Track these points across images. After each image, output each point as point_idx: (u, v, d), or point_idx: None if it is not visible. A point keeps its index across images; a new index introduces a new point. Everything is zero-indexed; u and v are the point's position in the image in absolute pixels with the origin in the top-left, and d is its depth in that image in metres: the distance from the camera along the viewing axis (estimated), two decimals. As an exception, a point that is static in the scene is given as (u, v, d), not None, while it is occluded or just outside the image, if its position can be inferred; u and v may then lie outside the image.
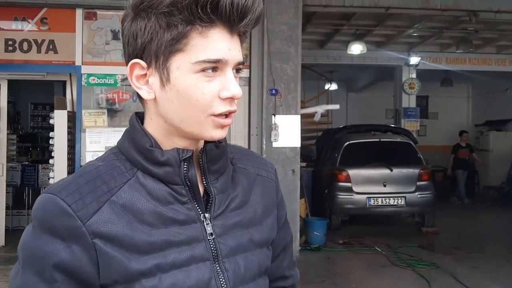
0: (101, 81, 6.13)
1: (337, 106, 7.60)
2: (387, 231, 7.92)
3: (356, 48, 9.30)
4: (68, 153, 6.19)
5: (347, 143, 8.00)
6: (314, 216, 7.43)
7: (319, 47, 10.56)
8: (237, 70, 0.86)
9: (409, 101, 11.35)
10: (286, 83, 6.12)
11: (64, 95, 6.86)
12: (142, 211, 0.83)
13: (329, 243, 6.91)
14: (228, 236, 0.89)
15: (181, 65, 0.81)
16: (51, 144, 6.25)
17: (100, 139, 6.02)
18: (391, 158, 7.73)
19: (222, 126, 0.85)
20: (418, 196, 7.48)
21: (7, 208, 6.84)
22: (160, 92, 0.84)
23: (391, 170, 7.52)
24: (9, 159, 7.43)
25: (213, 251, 0.87)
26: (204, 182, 0.90)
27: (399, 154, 7.95)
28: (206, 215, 0.88)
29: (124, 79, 6.27)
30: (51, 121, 6.26)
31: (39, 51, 6.03)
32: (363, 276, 5.71)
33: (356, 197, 7.48)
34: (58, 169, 6.14)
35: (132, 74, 0.86)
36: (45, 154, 8.02)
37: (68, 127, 6.19)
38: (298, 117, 6.20)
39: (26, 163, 8.40)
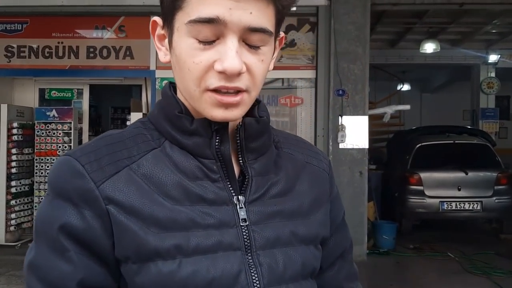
0: (173, 84, 6.41)
1: (407, 107, 7.39)
2: (461, 237, 7.57)
3: (429, 47, 8.99)
4: (143, 153, 6.53)
5: (419, 145, 7.74)
6: (384, 219, 7.27)
7: (390, 47, 10.32)
8: (252, 46, 0.70)
9: (487, 101, 10.77)
10: (353, 84, 6.06)
11: (141, 98, 7.25)
12: (165, 183, 0.73)
13: (399, 248, 6.72)
14: (265, 226, 0.76)
15: (180, 25, 0.70)
16: (128, 145, 6.63)
17: (172, 140, 6.29)
18: (467, 160, 7.39)
19: (224, 105, 0.71)
20: (496, 201, 7.07)
21: (88, 204, 7.32)
22: (170, 55, 0.76)
23: (466, 174, 7.18)
24: (91, 159, 7.94)
25: (245, 240, 0.74)
26: (241, 160, 0.78)
27: (475, 157, 7.58)
28: (240, 197, 0.76)
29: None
30: (127, 123, 6.65)
31: (117, 57, 6.42)
32: (434, 282, 5.51)
33: (428, 201, 7.21)
34: (134, 168, 6.49)
35: (154, 33, 0.78)
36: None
37: (143, 129, 6.53)
38: (366, 118, 6.11)
39: (106, 163, 8.94)
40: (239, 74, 0.69)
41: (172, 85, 0.81)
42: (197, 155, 0.75)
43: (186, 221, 0.71)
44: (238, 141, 0.78)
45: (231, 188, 0.76)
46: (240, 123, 0.77)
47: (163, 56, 0.78)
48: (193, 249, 0.71)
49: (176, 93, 0.79)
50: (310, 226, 0.82)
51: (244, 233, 0.75)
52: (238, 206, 0.75)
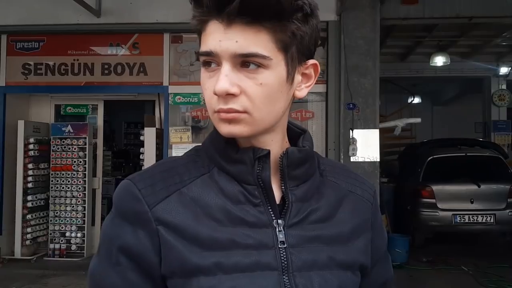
0: (186, 100, 6.51)
1: (418, 120, 7.41)
2: (474, 250, 7.51)
3: (439, 60, 9.04)
4: (156, 168, 6.60)
5: (431, 157, 7.74)
6: (397, 233, 7.25)
7: (400, 60, 10.37)
8: (247, 63, 0.75)
9: (499, 113, 10.73)
10: (364, 97, 6.11)
11: (153, 113, 7.35)
12: (211, 206, 0.80)
13: (412, 261, 6.69)
14: (303, 249, 0.81)
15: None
16: (142, 159, 6.72)
17: (185, 154, 6.36)
18: (479, 173, 7.36)
19: (225, 120, 0.78)
20: (510, 213, 7.02)
21: (102, 218, 7.40)
22: None
23: (479, 186, 7.15)
24: (105, 173, 8.06)
25: (283, 261, 0.79)
26: (283, 187, 0.83)
27: (487, 169, 7.55)
28: (280, 221, 0.81)
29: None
30: (141, 138, 6.75)
31: (131, 73, 6.55)
32: (447, 296, 5.48)
33: (441, 214, 7.19)
34: (147, 183, 6.56)
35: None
36: (136, 169, 8.60)
37: (157, 143, 6.63)
38: (377, 131, 6.14)
39: (120, 177, 9.05)
40: (231, 95, 0.76)
41: None
42: (241, 181, 0.82)
43: (226, 241, 0.78)
44: (281, 169, 0.83)
45: (271, 212, 0.82)
46: (284, 152, 0.83)
47: None
48: (232, 267, 0.76)
49: None
50: (349, 253, 0.85)
51: (282, 255, 0.79)
52: (277, 229, 0.81)
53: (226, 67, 0.75)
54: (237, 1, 0.72)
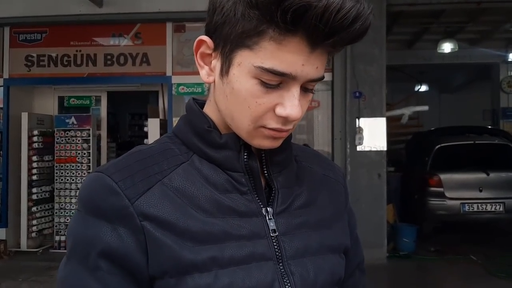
0: (190, 90, 6.45)
1: (425, 108, 7.33)
2: (484, 239, 7.42)
3: (447, 47, 8.88)
4: (161, 159, 6.58)
5: (438, 146, 7.63)
6: (404, 222, 7.19)
7: (407, 48, 10.22)
8: (307, 89, 0.73)
9: (508, 100, 10.57)
10: (370, 85, 6.01)
11: (157, 104, 7.30)
12: (198, 196, 0.74)
13: (420, 251, 6.62)
14: (294, 236, 0.78)
15: (243, 62, 0.70)
16: (146, 151, 6.69)
17: (189, 145, 6.33)
18: (488, 161, 7.26)
19: (274, 138, 0.75)
20: (519, 202, 6.93)
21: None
22: (218, 80, 0.74)
23: (488, 174, 7.05)
24: (110, 165, 8.04)
25: (276, 250, 0.76)
26: (266, 173, 0.80)
27: (496, 157, 7.44)
28: (269, 209, 0.78)
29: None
30: (145, 129, 6.71)
31: (134, 64, 6.49)
32: (457, 286, 5.43)
33: (449, 202, 7.10)
34: (152, 174, 6.54)
35: (198, 50, 0.76)
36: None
37: (161, 134, 6.58)
38: (384, 119, 6.06)
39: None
40: None
41: (195, 101, 0.83)
42: (226, 169, 0.77)
43: (220, 233, 0.72)
44: (263, 155, 0.80)
45: (259, 200, 0.78)
46: None
47: (206, 76, 0.77)
48: (228, 260, 0.72)
49: (202, 108, 0.82)
50: (334, 236, 0.85)
51: (275, 244, 0.76)
52: (267, 218, 0.77)
53: (298, 91, 0.71)
54: (352, 36, 0.67)
